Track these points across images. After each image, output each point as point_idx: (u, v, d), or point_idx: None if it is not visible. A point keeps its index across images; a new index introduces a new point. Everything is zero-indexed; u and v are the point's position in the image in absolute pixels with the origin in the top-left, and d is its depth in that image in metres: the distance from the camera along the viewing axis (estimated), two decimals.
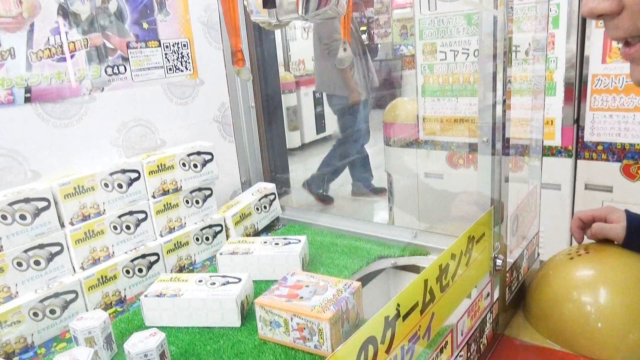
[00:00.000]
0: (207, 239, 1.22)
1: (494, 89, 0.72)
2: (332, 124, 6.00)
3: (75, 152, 1.07)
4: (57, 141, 1.04)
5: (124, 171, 1.06)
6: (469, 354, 0.71)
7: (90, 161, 1.07)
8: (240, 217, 1.28)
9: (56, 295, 0.94)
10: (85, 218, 1.00)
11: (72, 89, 1.05)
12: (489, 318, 0.77)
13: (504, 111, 0.74)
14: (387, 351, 0.50)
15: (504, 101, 0.73)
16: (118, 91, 1.12)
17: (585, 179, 1.84)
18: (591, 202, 1.81)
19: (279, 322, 0.84)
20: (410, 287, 0.54)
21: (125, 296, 1.06)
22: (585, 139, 1.79)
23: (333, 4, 0.71)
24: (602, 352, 0.77)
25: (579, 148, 1.82)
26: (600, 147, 1.78)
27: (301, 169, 5.20)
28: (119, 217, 1.06)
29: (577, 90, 1.73)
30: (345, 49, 0.87)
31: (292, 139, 5.54)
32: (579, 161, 1.83)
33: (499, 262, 0.76)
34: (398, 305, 0.52)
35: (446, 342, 0.63)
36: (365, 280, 1.14)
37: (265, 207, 1.37)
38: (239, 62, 0.67)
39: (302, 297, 0.86)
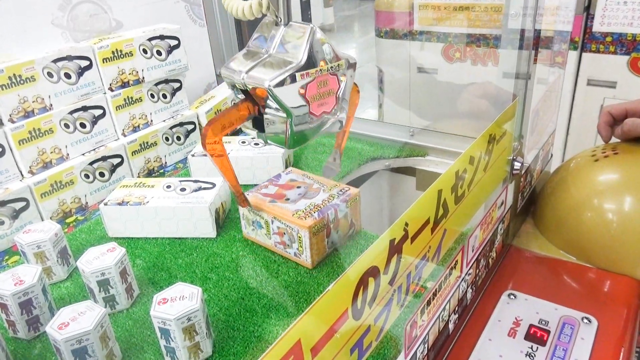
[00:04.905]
0: (178, 138, 1.08)
1: None
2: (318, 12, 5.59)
3: (7, 34, 0.88)
4: None
5: (71, 58, 0.88)
6: (477, 270, 0.62)
7: (28, 46, 0.89)
8: (216, 113, 1.13)
9: (2, 203, 0.81)
10: (28, 114, 0.85)
11: None
12: (500, 229, 0.67)
13: None
14: (391, 282, 0.40)
15: None
16: None
17: (588, 74, 1.71)
18: (592, 98, 1.70)
19: (261, 223, 0.74)
20: (421, 200, 0.42)
21: (86, 203, 0.94)
22: (593, 29, 1.64)
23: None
24: (623, 265, 0.68)
25: (586, 39, 1.67)
26: (609, 39, 1.64)
27: None
28: (70, 113, 0.90)
29: None
30: (335, 159, 0.79)
31: None
32: (584, 54, 1.69)
33: (517, 165, 0.65)
34: (406, 224, 0.40)
35: (456, 261, 0.52)
36: (355, 184, 1.03)
37: None
38: (243, 203, 0.70)
39: (288, 199, 0.75)
